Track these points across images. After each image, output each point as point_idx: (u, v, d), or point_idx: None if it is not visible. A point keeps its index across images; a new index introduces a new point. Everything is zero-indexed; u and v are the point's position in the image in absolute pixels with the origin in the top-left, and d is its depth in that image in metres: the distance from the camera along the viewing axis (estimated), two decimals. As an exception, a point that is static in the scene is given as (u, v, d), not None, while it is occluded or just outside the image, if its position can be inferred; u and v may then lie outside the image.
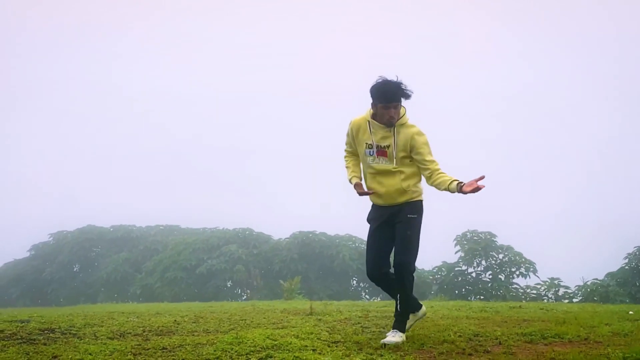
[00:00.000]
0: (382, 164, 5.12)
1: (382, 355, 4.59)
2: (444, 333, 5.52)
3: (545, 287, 18.17)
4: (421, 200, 5.28)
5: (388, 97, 4.95)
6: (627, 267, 17.74)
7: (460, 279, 20.20)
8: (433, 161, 5.04)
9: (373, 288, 20.57)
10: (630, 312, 7.62)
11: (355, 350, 4.78)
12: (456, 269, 20.38)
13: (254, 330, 5.74)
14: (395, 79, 4.97)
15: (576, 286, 17.66)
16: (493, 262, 20.06)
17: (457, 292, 19.82)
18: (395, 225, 5.19)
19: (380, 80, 5.01)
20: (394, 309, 5.31)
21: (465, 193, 4.78)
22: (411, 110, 5.15)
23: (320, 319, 6.81)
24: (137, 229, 28.31)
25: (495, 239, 20.30)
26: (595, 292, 16.71)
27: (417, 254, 5.22)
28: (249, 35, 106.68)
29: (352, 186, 5.32)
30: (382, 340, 5.01)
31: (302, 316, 7.22)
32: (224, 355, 4.54)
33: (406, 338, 5.13)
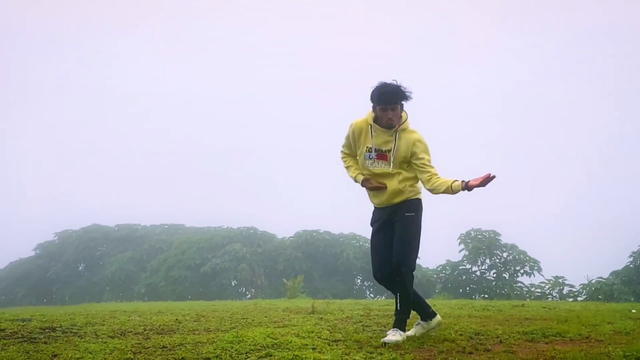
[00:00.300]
0: (380, 167, 5.16)
1: (382, 354, 4.59)
2: (445, 332, 5.51)
3: (550, 285, 18.12)
4: (419, 199, 5.28)
5: (385, 99, 4.99)
6: (632, 266, 17.64)
7: (464, 277, 20.17)
8: (432, 167, 5.09)
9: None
10: (633, 311, 7.58)
11: (355, 349, 4.77)
12: (460, 267, 20.35)
13: (255, 329, 5.74)
14: (394, 82, 5.02)
15: (581, 285, 17.60)
16: (497, 260, 20.02)
17: (461, 290, 19.79)
18: (394, 224, 5.21)
19: (379, 84, 5.06)
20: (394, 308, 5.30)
21: (470, 189, 4.78)
22: (411, 110, 5.17)
23: (321, 318, 6.81)
24: (142, 228, 28.38)
25: (499, 238, 20.26)
26: (599, 291, 16.65)
27: (416, 252, 5.22)
28: (250, 35, 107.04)
29: (360, 183, 5.32)
30: (382, 339, 5.01)
31: (303, 315, 7.22)
32: (223, 354, 4.54)
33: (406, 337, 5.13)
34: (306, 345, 4.87)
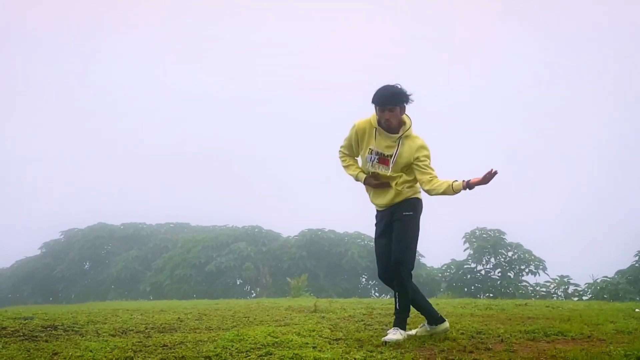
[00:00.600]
0: (380, 171, 5.18)
1: (382, 353, 4.58)
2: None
3: (555, 284, 18.07)
4: (418, 198, 5.29)
5: (382, 100, 5.02)
6: (637, 265, 17.56)
7: (469, 276, 20.12)
8: (433, 169, 5.11)
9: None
10: (637, 310, 7.56)
11: (355, 348, 4.77)
12: (465, 266, 20.29)
13: (256, 328, 5.75)
14: (397, 85, 5.06)
15: (586, 284, 17.53)
16: (502, 259, 19.97)
17: (466, 289, 19.74)
18: (393, 223, 5.21)
19: (381, 86, 5.09)
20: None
21: (472, 187, 4.78)
22: (413, 110, 5.17)
23: (323, 317, 6.81)
24: (147, 227, 28.44)
25: (504, 237, 20.20)
26: (605, 290, 16.59)
27: (414, 251, 5.24)
28: (253, 34, 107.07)
29: (362, 182, 5.33)
30: (383, 338, 5.00)
31: (305, 313, 7.23)
32: (224, 353, 4.54)
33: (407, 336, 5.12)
34: (307, 343, 4.87)
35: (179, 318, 6.74)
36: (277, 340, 4.96)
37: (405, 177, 5.15)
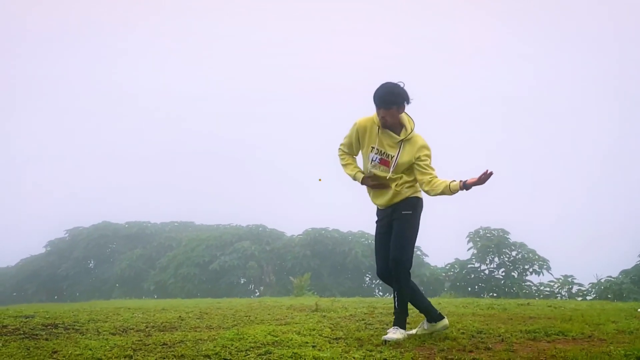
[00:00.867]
0: (380, 172, 5.17)
1: (381, 352, 4.57)
2: (447, 330, 5.48)
3: (559, 284, 18.01)
4: (418, 197, 5.27)
5: (376, 98, 5.03)
6: (641, 265, 17.50)
7: (472, 276, 20.07)
8: (434, 169, 5.09)
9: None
10: (639, 310, 7.53)
11: (355, 347, 4.76)
12: (469, 266, 20.23)
13: (257, 327, 5.75)
14: (399, 83, 5.04)
15: (590, 284, 17.47)
16: (506, 259, 19.91)
17: (469, 289, 19.70)
18: (392, 222, 5.20)
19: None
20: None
21: (469, 188, 4.78)
22: (415, 112, 5.17)
23: (324, 316, 6.81)
24: (152, 226, 28.51)
25: (508, 236, 20.15)
26: (609, 290, 16.52)
27: (412, 250, 5.24)
28: (255, 34, 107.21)
29: (360, 181, 5.32)
30: (383, 337, 5.00)
31: (307, 313, 7.22)
32: (223, 351, 4.54)
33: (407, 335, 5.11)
34: (306, 342, 4.87)
35: (180, 317, 6.75)
36: (277, 339, 4.96)
37: (405, 178, 5.14)
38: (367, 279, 23.36)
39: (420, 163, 5.05)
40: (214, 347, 4.67)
